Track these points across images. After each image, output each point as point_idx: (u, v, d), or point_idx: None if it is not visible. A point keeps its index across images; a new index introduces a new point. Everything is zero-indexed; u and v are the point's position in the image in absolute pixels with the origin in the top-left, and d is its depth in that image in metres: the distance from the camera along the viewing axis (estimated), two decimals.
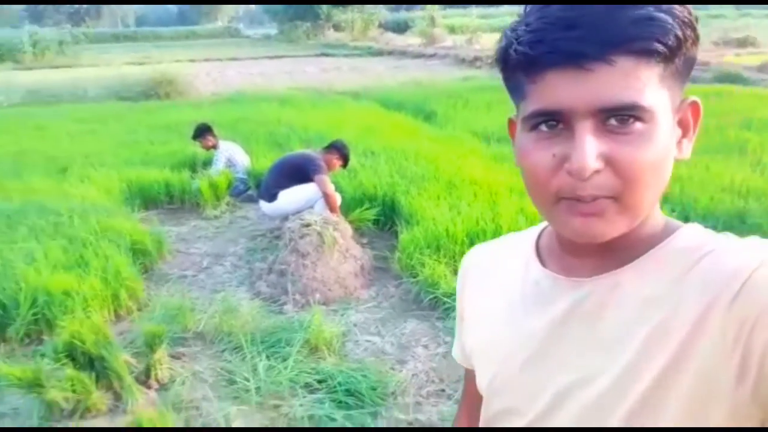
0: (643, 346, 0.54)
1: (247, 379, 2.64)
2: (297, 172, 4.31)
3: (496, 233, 3.49)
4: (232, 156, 5.66)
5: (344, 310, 3.37)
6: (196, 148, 5.97)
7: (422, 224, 3.87)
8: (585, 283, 0.60)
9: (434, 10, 28.22)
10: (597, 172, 0.51)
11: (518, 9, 0.57)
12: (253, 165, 5.70)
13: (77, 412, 2.40)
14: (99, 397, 2.43)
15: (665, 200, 4.28)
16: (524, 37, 0.52)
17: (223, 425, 2.37)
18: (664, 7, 0.49)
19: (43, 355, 2.63)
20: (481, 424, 0.75)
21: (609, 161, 0.51)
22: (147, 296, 3.53)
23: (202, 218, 5.05)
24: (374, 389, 2.56)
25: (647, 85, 0.51)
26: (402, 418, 2.44)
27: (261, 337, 2.94)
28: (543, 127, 0.54)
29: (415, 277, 3.47)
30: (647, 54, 0.50)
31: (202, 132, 5.67)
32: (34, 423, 2.36)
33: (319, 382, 2.63)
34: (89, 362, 2.48)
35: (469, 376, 0.81)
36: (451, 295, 3.07)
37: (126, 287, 3.34)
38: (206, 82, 14.39)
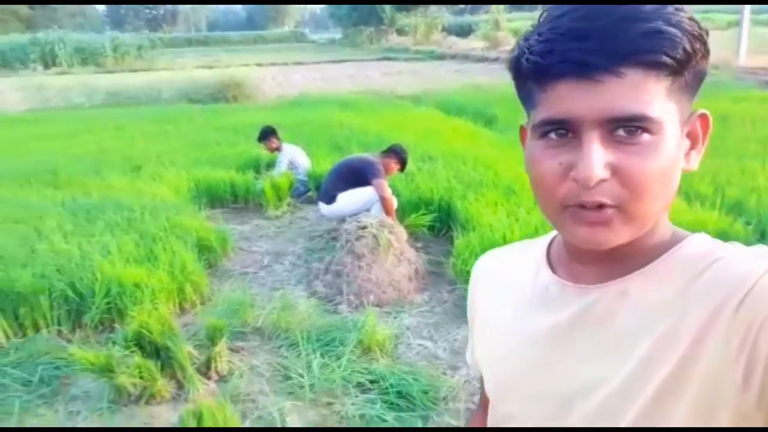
0: (650, 353, 0.54)
1: (302, 376, 2.71)
2: (355, 175, 4.38)
3: None
4: (295, 158, 5.81)
5: (397, 313, 3.40)
6: (261, 150, 6.17)
7: (478, 230, 3.85)
8: (592, 289, 0.61)
9: (499, 13, 27.87)
10: (603, 180, 0.52)
11: None
12: (314, 167, 5.84)
13: (143, 398, 2.55)
14: (163, 385, 2.57)
15: (740, 212, 4.07)
16: (536, 47, 0.53)
17: (277, 419, 2.45)
18: (674, 20, 0.50)
19: (114, 343, 2.81)
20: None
21: (615, 171, 0.52)
22: (210, 291, 3.69)
23: (264, 218, 5.22)
24: (426, 393, 2.58)
25: (655, 97, 0.51)
26: (453, 424, 2.44)
27: (316, 335, 3.02)
28: (552, 135, 0.55)
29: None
30: (656, 67, 0.51)
31: (267, 135, 5.86)
32: (104, 406, 2.52)
33: (372, 382, 2.67)
34: (155, 351, 2.63)
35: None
36: None
37: (191, 281, 3.51)
38: (272, 86, 14.82)
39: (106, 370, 2.50)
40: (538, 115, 0.56)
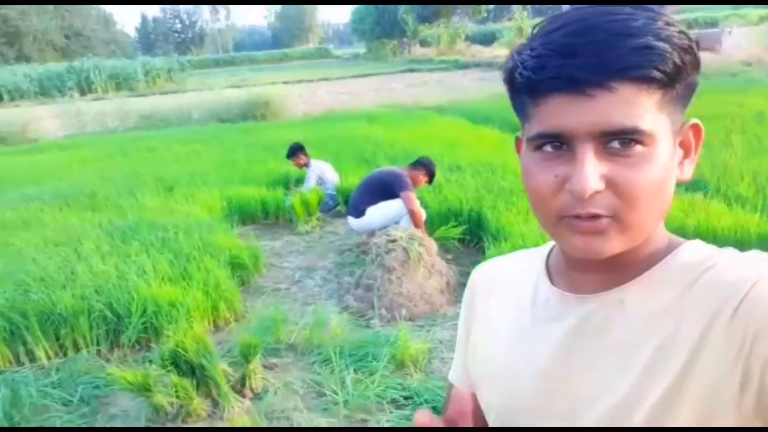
0: (650, 362, 0.55)
1: (336, 392, 2.71)
2: (384, 188, 4.38)
3: None
4: (323, 174, 5.86)
5: (430, 327, 3.37)
6: (290, 167, 6.24)
7: (510, 240, 3.80)
8: (591, 299, 0.61)
9: (522, 19, 27.77)
10: (597, 192, 0.53)
11: None
12: (342, 182, 5.88)
13: (180, 416, 2.57)
14: (199, 403, 2.60)
15: None
16: (528, 62, 0.54)
17: None
18: (663, 35, 0.51)
19: (150, 362, 2.85)
20: None
21: (610, 183, 0.53)
22: (244, 308, 3.72)
23: (294, 233, 5.26)
24: None
25: (647, 110, 0.52)
26: None
27: (349, 350, 3.01)
28: (547, 148, 0.56)
29: None
30: (647, 81, 0.51)
31: (295, 151, 5.93)
32: (141, 424, 2.56)
33: (406, 398, 2.64)
34: (191, 370, 2.65)
35: (456, 398, 0.79)
36: None
37: (225, 299, 3.55)
38: (298, 103, 15.02)
39: (144, 389, 2.54)
40: (533, 128, 0.57)
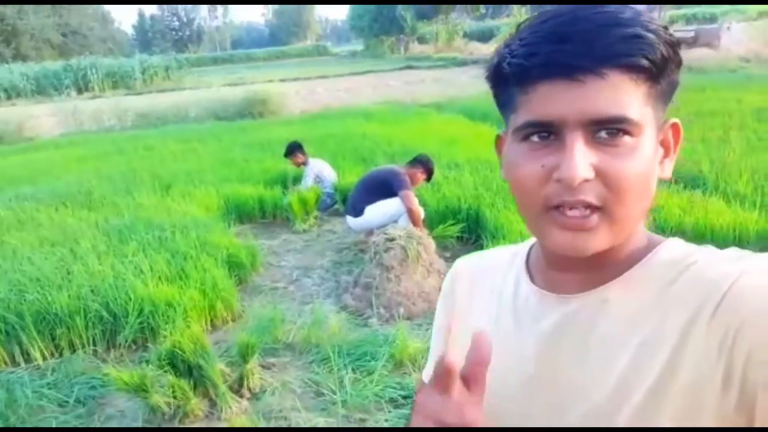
0: (633, 361, 0.55)
1: (334, 392, 2.69)
2: (382, 187, 4.37)
3: None
4: (321, 172, 5.84)
5: (428, 325, 3.35)
6: (287, 165, 6.22)
7: (508, 238, 3.79)
8: (572, 300, 0.61)
9: (520, 16, 27.76)
10: (586, 181, 0.53)
11: None
12: (340, 180, 5.86)
13: (177, 417, 2.56)
14: (196, 404, 2.58)
15: None
16: (518, 51, 0.54)
17: None
18: (651, 27, 0.52)
19: (147, 362, 2.83)
20: None
21: (598, 172, 0.53)
22: (241, 307, 3.71)
23: (292, 232, 5.24)
24: None
25: (635, 100, 0.53)
26: None
27: (347, 349, 3.00)
28: (534, 138, 0.56)
29: None
30: (635, 70, 0.52)
31: (293, 150, 5.91)
32: (138, 425, 2.54)
33: (404, 397, 2.63)
34: (188, 370, 2.64)
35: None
36: None
37: (222, 299, 3.53)
38: (296, 100, 14.98)
39: (141, 389, 2.52)
40: (519, 118, 0.56)
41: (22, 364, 3.12)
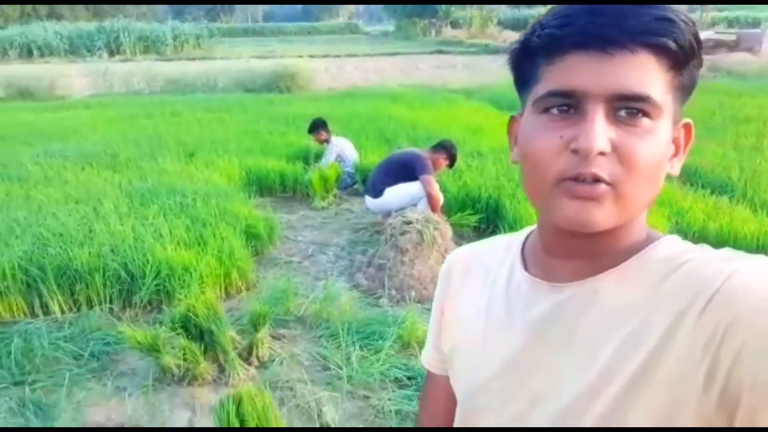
0: (617, 352, 0.55)
1: (340, 367, 2.73)
2: (403, 169, 4.36)
3: None
4: (342, 151, 5.84)
5: None
6: (311, 141, 6.23)
7: None
8: (565, 288, 0.62)
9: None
10: (602, 154, 0.53)
11: None
12: (362, 160, 5.85)
13: (186, 379, 2.62)
14: (206, 368, 2.63)
15: None
16: (552, 22, 0.56)
17: (314, 409, 2.47)
18: (682, 16, 0.53)
19: (161, 323, 2.89)
20: (457, 423, 0.76)
21: (614, 148, 0.53)
22: (255, 278, 3.75)
23: (310, 208, 5.27)
24: None
25: (659, 83, 0.54)
26: None
27: (356, 327, 3.02)
28: (554, 111, 0.56)
29: None
30: (664, 52, 0.53)
31: (317, 127, 5.91)
32: (149, 383, 2.60)
33: (409, 378, 2.65)
34: (200, 334, 2.69)
35: (434, 381, 0.84)
36: None
37: (238, 268, 3.57)
38: (324, 77, 14.95)
39: (153, 349, 2.58)
40: (542, 88, 0.57)
41: (41, 316, 3.21)
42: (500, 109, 9.19)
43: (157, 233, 3.68)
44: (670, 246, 0.59)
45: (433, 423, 0.85)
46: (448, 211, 4.45)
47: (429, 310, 3.32)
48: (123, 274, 3.28)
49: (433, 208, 4.20)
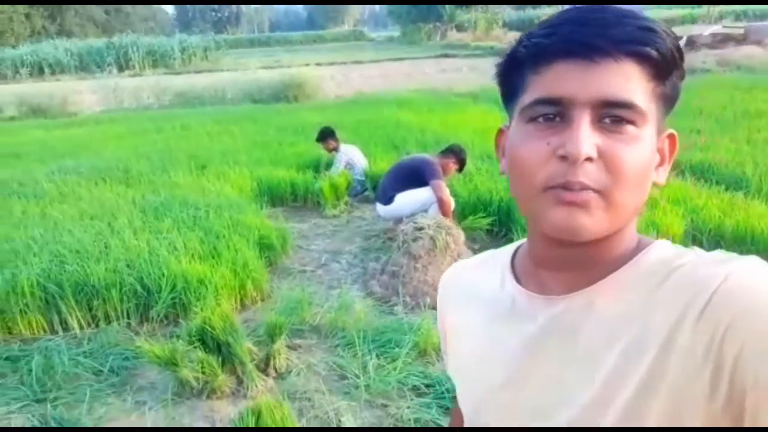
0: (619, 363, 0.55)
1: (358, 376, 2.72)
2: (413, 175, 4.36)
3: None
4: (352, 158, 5.86)
5: None
6: (320, 150, 6.26)
7: None
8: (559, 300, 0.61)
9: (562, 7, 27.13)
10: (589, 160, 0.54)
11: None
12: (371, 167, 5.87)
13: (205, 392, 2.63)
14: (224, 380, 2.64)
15: None
16: (539, 32, 0.57)
17: (333, 419, 2.47)
18: (663, 26, 0.55)
19: (178, 337, 2.91)
20: None
21: (600, 155, 0.54)
22: (270, 288, 3.77)
23: (322, 216, 5.29)
24: None
25: (642, 90, 0.55)
26: None
27: (372, 335, 3.02)
28: (540, 120, 0.57)
29: None
30: (646, 62, 0.54)
31: (325, 136, 5.94)
32: (168, 397, 2.62)
33: (427, 386, 2.64)
34: (217, 347, 2.70)
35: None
36: None
37: (252, 279, 3.59)
38: (331, 85, 15.00)
39: (171, 363, 2.60)
40: (528, 97, 0.58)
41: (60, 333, 3.24)
42: None
43: (171, 247, 3.71)
44: (662, 251, 0.59)
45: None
46: (459, 215, 4.44)
47: None
48: (139, 288, 3.31)
49: (445, 213, 4.19)
